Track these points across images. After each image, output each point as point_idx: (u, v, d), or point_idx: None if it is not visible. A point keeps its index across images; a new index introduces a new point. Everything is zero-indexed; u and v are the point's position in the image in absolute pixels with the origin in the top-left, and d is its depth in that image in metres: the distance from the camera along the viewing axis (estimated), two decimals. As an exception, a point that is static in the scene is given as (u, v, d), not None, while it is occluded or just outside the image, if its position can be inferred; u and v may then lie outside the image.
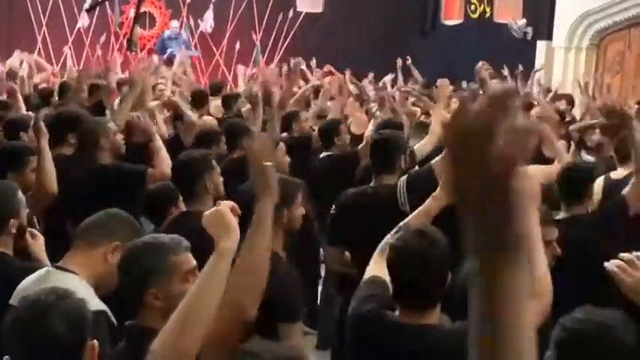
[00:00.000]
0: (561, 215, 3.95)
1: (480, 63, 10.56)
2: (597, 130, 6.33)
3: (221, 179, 3.69)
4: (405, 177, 3.91)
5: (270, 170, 2.30)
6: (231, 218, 2.13)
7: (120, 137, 4.56)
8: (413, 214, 3.06)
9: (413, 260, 2.36)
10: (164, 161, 4.20)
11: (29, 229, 3.21)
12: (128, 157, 4.64)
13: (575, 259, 3.56)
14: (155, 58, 11.11)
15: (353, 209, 3.95)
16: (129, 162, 4.52)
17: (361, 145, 5.16)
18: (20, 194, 3.18)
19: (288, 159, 4.71)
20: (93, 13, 13.56)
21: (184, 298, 2.07)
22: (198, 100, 7.00)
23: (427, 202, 3.04)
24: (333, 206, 4.14)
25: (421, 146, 4.92)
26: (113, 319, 2.57)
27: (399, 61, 12.13)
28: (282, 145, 4.73)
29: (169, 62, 13.20)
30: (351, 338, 2.61)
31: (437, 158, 4.02)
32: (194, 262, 2.30)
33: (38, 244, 3.18)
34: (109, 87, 6.67)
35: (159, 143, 4.38)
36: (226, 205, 2.17)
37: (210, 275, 2.07)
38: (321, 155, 5.58)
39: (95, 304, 2.48)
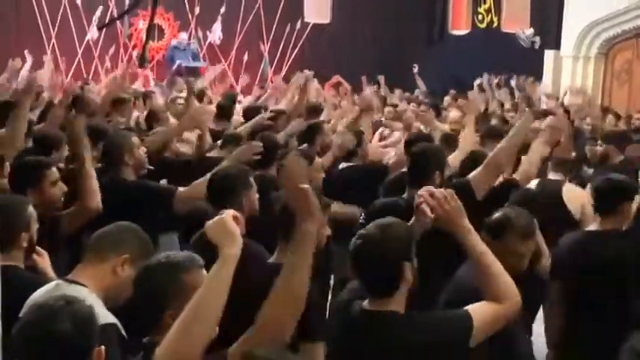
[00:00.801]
0: (594, 228, 3.92)
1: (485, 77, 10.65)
2: (599, 142, 6.37)
3: (257, 197, 3.58)
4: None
5: (308, 192, 2.27)
6: (234, 226, 2.15)
7: (143, 151, 4.48)
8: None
9: (365, 249, 2.44)
10: (202, 185, 3.89)
11: (38, 249, 3.19)
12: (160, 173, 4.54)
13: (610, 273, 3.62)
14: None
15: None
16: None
17: (392, 160, 5.05)
18: (30, 209, 3.16)
19: (322, 175, 4.61)
20: (102, 17, 13.64)
21: (189, 303, 2.08)
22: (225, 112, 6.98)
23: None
24: (362, 215, 4.07)
25: (451, 160, 4.87)
26: (123, 332, 2.57)
27: (415, 68, 12.14)
28: (318, 161, 4.60)
29: (178, 73, 13.30)
30: (329, 327, 2.72)
31: (473, 173, 3.99)
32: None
33: (44, 261, 3.18)
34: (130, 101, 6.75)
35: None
36: (229, 214, 2.19)
37: (214, 281, 2.09)
38: (342, 166, 5.46)
39: (105, 316, 2.48)
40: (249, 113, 6.97)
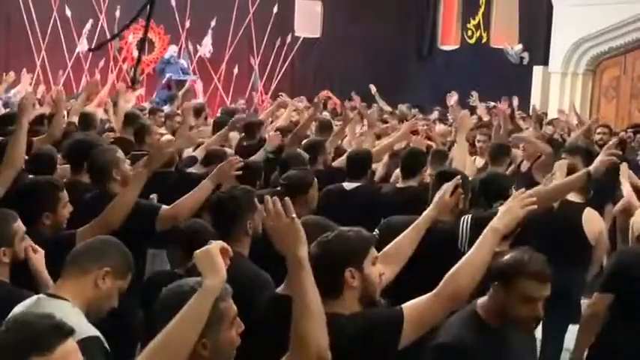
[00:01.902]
0: None
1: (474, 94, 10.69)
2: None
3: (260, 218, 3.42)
4: (468, 217, 3.72)
5: (294, 223, 2.30)
6: (220, 259, 2.15)
7: (128, 164, 4.39)
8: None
9: (314, 252, 2.50)
10: (188, 203, 3.89)
11: (31, 244, 3.18)
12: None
13: None
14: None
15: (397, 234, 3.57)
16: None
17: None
18: (16, 225, 3.14)
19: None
20: (92, 30, 13.67)
21: (162, 331, 2.07)
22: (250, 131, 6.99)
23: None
24: (377, 230, 3.85)
25: None
26: (106, 345, 2.56)
27: (373, 89, 12.15)
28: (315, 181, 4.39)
29: (167, 87, 13.33)
30: None
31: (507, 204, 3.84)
32: (235, 308, 2.26)
33: (39, 258, 3.16)
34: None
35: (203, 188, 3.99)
36: (217, 245, 2.19)
37: (190, 311, 2.09)
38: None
39: (87, 330, 2.47)
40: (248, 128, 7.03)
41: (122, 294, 2.76)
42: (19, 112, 4.34)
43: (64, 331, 1.84)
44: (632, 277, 3.74)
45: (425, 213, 3.21)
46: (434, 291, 2.52)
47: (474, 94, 10.77)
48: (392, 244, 3.12)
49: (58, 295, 2.63)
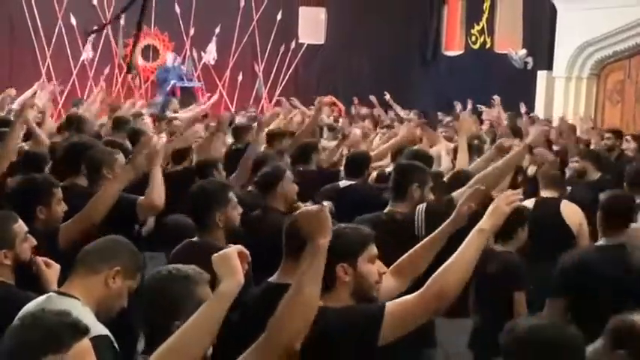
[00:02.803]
0: (602, 243, 3.93)
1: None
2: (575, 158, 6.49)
3: (236, 211, 3.65)
4: (424, 205, 3.88)
5: (325, 211, 2.36)
6: (237, 263, 2.16)
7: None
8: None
9: None
10: (155, 191, 4.00)
11: (44, 258, 3.15)
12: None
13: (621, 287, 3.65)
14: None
15: None
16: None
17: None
18: (17, 225, 3.15)
19: (296, 188, 4.59)
20: (97, 38, 13.72)
21: (175, 332, 2.08)
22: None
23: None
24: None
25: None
26: (116, 344, 2.57)
27: (386, 95, 12.20)
28: (289, 173, 4.62)
29: (172, 93, 13.37)
30: None
31: (460, 190, 3.99)
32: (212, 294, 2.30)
33: (52, 272, 3.13)
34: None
35: (157, 172, 4.10)
36: (235, 249, 2.20)
37: (204, 315, 2.10)
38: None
39: (98, 329, 2.48)
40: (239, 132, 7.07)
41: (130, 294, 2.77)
42: (16, 115, 4.51)
43: (80, 330, 1.86)
44: (580, 279, 3.76)
45: (441, 228, 3.14)
46: (420, 290, 2.51)
47: (496, 97, 10.73)
48: (406, 256, 3.08)
49: (69, 294, 2.64)
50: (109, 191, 3.87)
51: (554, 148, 7.72)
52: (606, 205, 3.93)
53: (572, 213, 5.03)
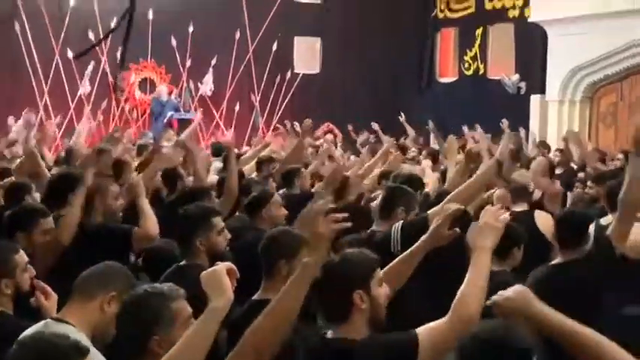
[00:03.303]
0: (558, 260, 4.02)
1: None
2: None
3: (221, 237, 3.71)
4: (400, 223, 3.98)
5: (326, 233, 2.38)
6: (226, 280, 2.20)
7: (114, 194, 4.58)
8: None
9: (320, 278, 2.46)
10: (149, 221, 4.15)
11: (45, 286, 3.19)
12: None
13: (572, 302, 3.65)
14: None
15: None
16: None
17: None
18: (18, 256, 3.20)
19: (284, 211, 4.75)
20: (95, 72, 13.83)
21: (169, 351, 2.13)
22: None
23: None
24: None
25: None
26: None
27: (402, 116, 12.34)
28: (277, 197, 4.76)
29: (169, 125, 13.46)
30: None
31: (432, 209, 4.09)
32: (190, 310, 2.38)
33: (51, 303, 3.16)
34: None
35: (143, 203, 4.28)
36: (224, 267, 2.25)
37: (197, 333, 2.15)
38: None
39: (92, 355, 2.52)
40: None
41: None
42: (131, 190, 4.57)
43: (81, 351, 1.91)
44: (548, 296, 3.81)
45: (418, 245, 3.19)
46: (446, 317, 2.49)
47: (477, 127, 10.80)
48: (388, 267, 3.13)
49: (65, 320, 2.69)
50: (69, 214, 4.08)
51: (557, 171, 7.76)
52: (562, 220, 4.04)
53: (546, 221, 5.08)
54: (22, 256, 3.22)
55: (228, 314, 2.22)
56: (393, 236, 3.87)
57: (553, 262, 4.10)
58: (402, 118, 12.37)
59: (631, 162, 3.63)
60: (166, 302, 2.33)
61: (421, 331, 2.46)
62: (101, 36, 13.86)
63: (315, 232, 2.37)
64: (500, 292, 2.32)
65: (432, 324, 2.50)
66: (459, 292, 2.55)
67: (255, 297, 3.07)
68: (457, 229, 3.18)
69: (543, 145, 10.96)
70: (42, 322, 2.74)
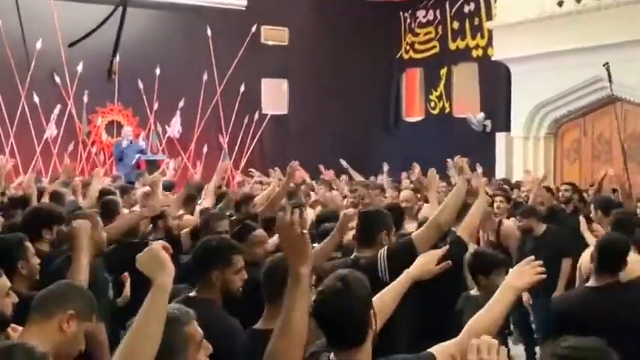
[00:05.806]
0: (592, 283, 4.09)
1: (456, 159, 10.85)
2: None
3: (237, 276, 3.53)
4: (385, 249, 3.95)
5: (306, 237, 2.32)
6: (163, 254, 2.18)
7: (100, 228, 4.47)
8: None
9: (330, 303, 2.40)
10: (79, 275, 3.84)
11: (12, 325, 3.12)
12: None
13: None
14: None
15: None
16: None
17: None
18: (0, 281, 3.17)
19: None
20: (60, 116, 13.73)
21: (125, 336, 2.10)
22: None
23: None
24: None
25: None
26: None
27: (344, 163, 12.34)
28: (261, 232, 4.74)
29: (137, 166, 13.37)
30: None
31: (416, 232, 4.11)
32: (201, 332, 2.34)
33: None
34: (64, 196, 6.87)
35: (77, 257, 3.90)
36: (158, 244, 2.23)
37: (149, 311, 2.11)
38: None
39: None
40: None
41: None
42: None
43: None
44: (575, 321, 3.83)
45: (406, 276, 3.19)
46: (457, 339, 2.54)
47: (456, 159, 10.87)
48: (376, 298, 3.12)
49: (24, 342, 2.62)
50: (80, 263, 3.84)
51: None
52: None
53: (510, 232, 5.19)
54: (4, 282, 3.15)
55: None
56: (380, 264, 3.83)
57: (591, 285, 4.12)
58: (345, 164, 12.36)
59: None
60: (178, 327, 2.27)
61: (435, 350, 2.50)
62: (68, 80, 13.88)
63: (292, 236, 2.33)
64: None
65: (443, 344, 2.54)
66: (474, 317, 2.62)
67: (257, 326, 3.00)
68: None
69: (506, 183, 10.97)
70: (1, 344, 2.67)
